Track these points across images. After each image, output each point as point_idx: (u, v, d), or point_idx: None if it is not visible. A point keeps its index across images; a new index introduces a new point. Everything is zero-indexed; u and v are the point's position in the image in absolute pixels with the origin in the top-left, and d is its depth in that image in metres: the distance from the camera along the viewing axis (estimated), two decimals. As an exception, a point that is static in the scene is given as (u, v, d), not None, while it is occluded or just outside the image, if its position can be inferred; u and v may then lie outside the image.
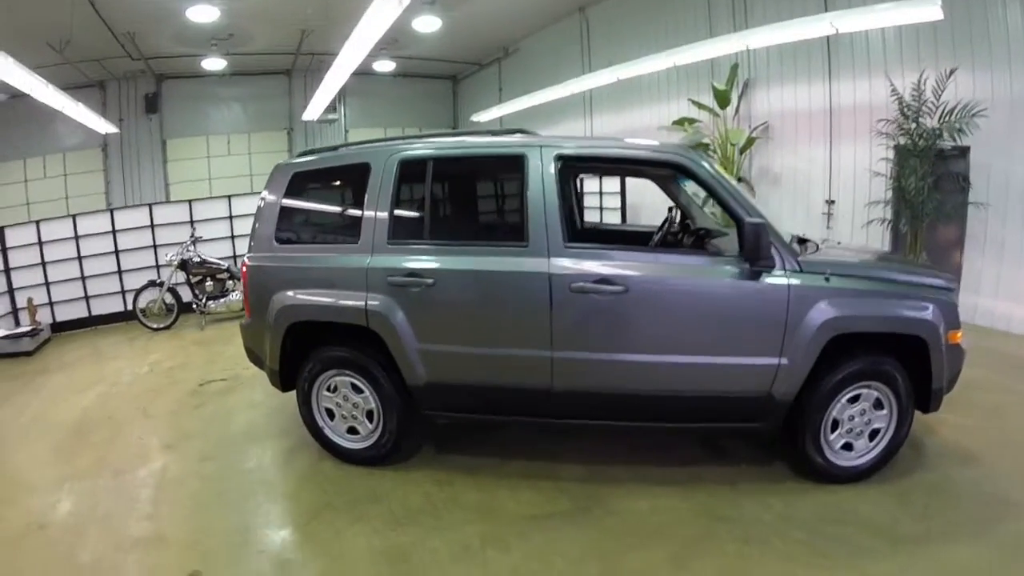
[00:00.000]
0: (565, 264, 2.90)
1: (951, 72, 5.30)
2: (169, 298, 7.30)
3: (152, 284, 7.26)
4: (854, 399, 2.94)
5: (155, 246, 7.70)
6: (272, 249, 3.41)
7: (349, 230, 3.25)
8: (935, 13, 4.68)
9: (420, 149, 3.25)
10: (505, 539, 2.69)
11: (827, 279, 2.82)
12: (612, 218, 9.77)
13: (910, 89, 5.57)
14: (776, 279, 2.82)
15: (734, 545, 2.62)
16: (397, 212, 3.16)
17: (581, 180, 4.97)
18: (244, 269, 3.54)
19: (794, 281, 2.82)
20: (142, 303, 7.23)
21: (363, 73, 13.54)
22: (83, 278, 7.38)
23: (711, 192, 2.94)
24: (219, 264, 7.35)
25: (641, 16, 8.93)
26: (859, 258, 3.33)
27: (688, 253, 3.21)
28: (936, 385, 2.91)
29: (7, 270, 6.88)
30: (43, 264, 7.11)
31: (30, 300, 6.79)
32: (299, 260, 3.35)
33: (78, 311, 7.43)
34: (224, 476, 3.51)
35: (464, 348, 3.07)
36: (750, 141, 7.43)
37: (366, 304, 3.09)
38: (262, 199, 3.51)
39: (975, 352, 4.87)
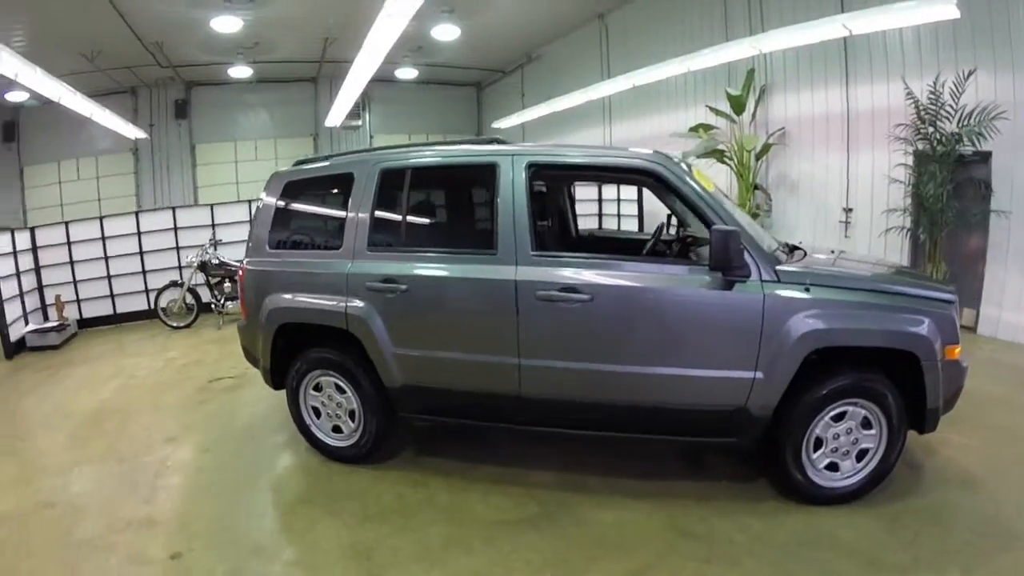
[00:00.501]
0: (532, 272, 2.91)
1: (969, 73, 5.20)
2: (189, 298, 7.63)
3: (173, 284, 7.61)
4: (839, 417, 2.80)
5: (178, 248, 8.08)
6: (266, 253, 3.62)
7: (334, 237, 3.41)
8: (950, 12, 4.61)
9: (399, 159, 3.35)
10: (469, 542, 2.74)
11: (807, 289, 2.72)
12: (630, 225, 9.79)
13: (927, 92, 5.49)
14: (750, 289, 2.73)
15: (695, 564, 2.56)
16: (376, 220, 3.28)
17: (573, 188, 4.94)
18: (240, 272, 3.76)
19: (770, 291, 2.72)
20: (163, 302, 7.59)
21: (386, 80, 13.96)
22: (109, 277, 7.80)
23: (683, 199, 2.88)
24: (237, 266, 7.66)
25: (659, 22, 8.99)
26: (849, 268, 3.16)
27: (660, 262, 3.04)
28: (931, 404, 2.76)
29: (37, 268, 7.32)
30: (71, 263, 7.54)
31: (58, 297, 7.21)
32: (289, 264, 3.53)
33: (104, 308, 7.85)
34: (218, 467, 3.71)
35: (436, 353, 3.14)
36: (766, 147, 7.40)
37: (346, 308, 3.23)
38: (259, 205, 3.72)
39: (993, 367, 4.76)
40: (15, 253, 6.86)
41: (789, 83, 7.33)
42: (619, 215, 9.96)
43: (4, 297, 6.51)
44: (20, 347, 6.68)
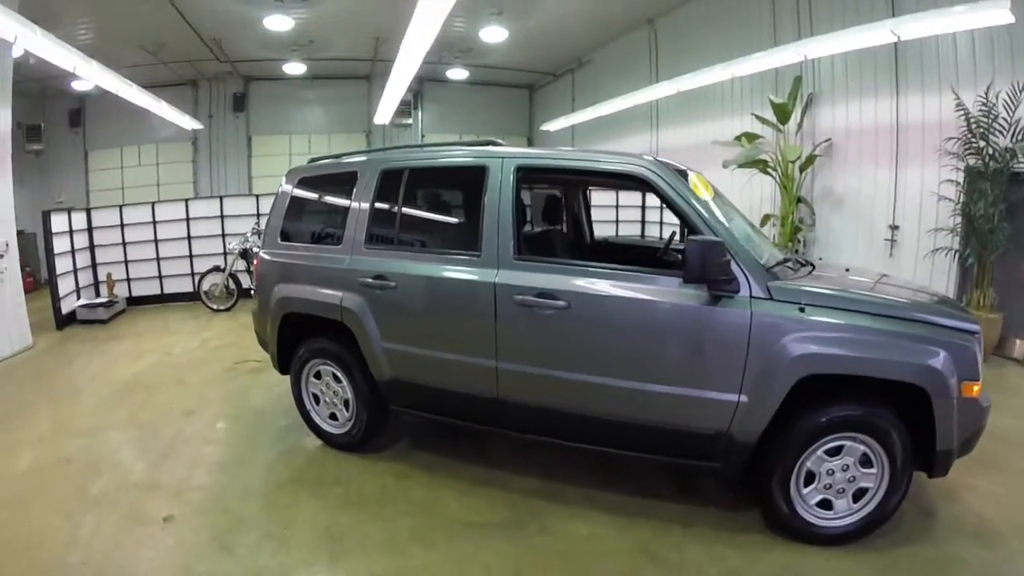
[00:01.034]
0: (511, 276, 2.92)
1: (1026, 85, 4.93)
2: (230, 283, 8.11)
3: (216, 269, 8.11)
4: (835, 451, 2.62)
5: (223, 235, 8.59)
6: (278, 245, 3.87)
7: (337, 232, 3.56)
8: (1005, 16, 4.37)
9: (399, 160, 3.47)
10: (433, 537, 2.80)
11: (801, 309, 2.53)
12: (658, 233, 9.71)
13: (978, 103, 5.22)
14: (737, 305, 2.57)
15: None
16: (374, 218, 3.41)
17: (588, 193, 4.93)
18: (256, 262, 4.01)
19: (759, 309, 2.56)
20: (206, 286, 8.10)
21: (438, 80, 14.31)
22: (158, 259, 8.40)
23: (670, 206, 2.81)
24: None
25: (708, 28, 8.86)
26: (858, 288, 2.88)
27: (640, 271, 2.82)
28: (942, 446, 2.52)
29: (92, 247, 7.96)
30: (124, 244, 8.15)
31: (109, 275, 7.82)
32: (297, 256, 3.74)
33: (152, 288, 8.46)
34: (224, 442, 3.99)
35: (420, 350, 3.23)
36: (811, 159, 7.18)
37: (341, 301, 3.40)
38: (274, 200, 3.97)
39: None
40: (71, 232, 7.49)
41: (837, 92, 7.08)
42: (643, 222, 9.92)
43: (58, 272, 7.12)
44: (71, 319, 7.29)
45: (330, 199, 3.77)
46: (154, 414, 4.47)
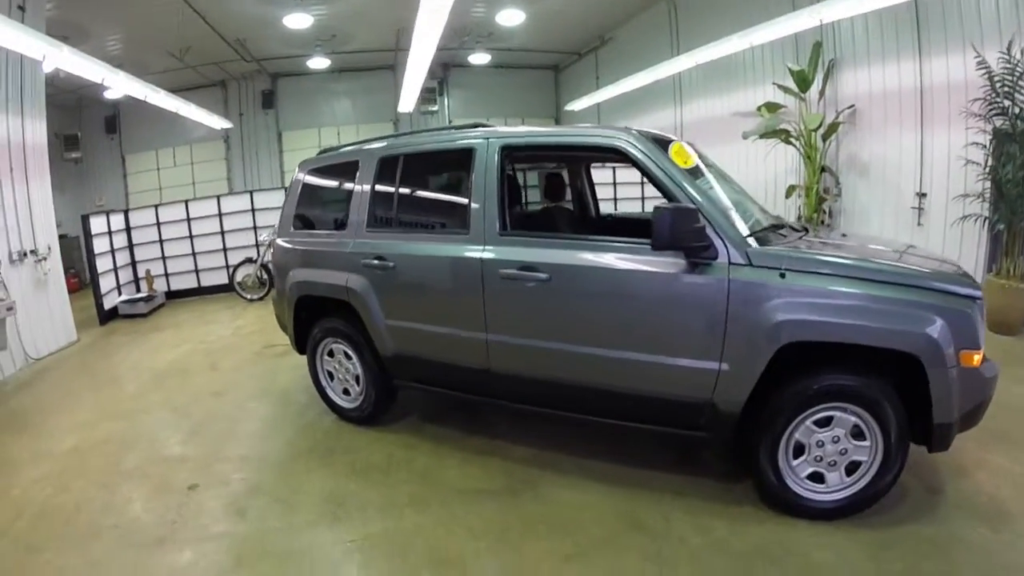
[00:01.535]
0: (497, 251, 3.06)
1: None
2: (262, 274, 8.55)
3: (248, 261, 8.58)
4: (825, 422, 2.58)
5: (255, 227, 9.05)
6: (291, 232, 4.17)
7: (342, 218, 3.80)
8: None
9: (395, 147, 3.65)
10: (428, 502, 2.99)
11: (782, 275, 2.50)
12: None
13: (1001, 61, 5.04)
14: (714, 272, 2.58)
15: (632, 559, 2.50)
16: (373, 203, 3.64)
17: (589, 170, 5.01)
18: (272, 249, 4.31)
19: (737, 275, 2.54)
20: (239, 277, 8.58)
21: (461, 65, 14.48)
22: (194, 254, 8.93)
23: (647, 175, 2.83)
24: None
25: (727, -2, 8.74)
26: (846, 252, 2.82)
27: (618, 241, 2.87)
28: (939, 419, 2.43)
29: (131, 246, 8.55)
30: (160, 241, 8.70)
31: (148, 271, 8.38)
32: (308, 243, 4.02)
33: (189, 282, 9.01)
34: (249, 419, 4.33)
35: (419, 325, 3.42)
36: (834, 127, 7.05)
37: (347, 283, 3.64)
38: (287, 190, 4.24)
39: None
40: (110, 233, 8.05)
41: (859, 56, 6.90)
42: (642, 198, 9.90)
43: (100, 271, 7.68)
44: (113, 314, 7.87)
45: (336, 187, 4.01)
46: (187, 397, 4.87)
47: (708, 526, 2.69)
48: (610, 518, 2.79)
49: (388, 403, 3.93)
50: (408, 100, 11.38)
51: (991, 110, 5.26)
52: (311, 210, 4.18)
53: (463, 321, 3.24)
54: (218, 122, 10.74)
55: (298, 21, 9.27)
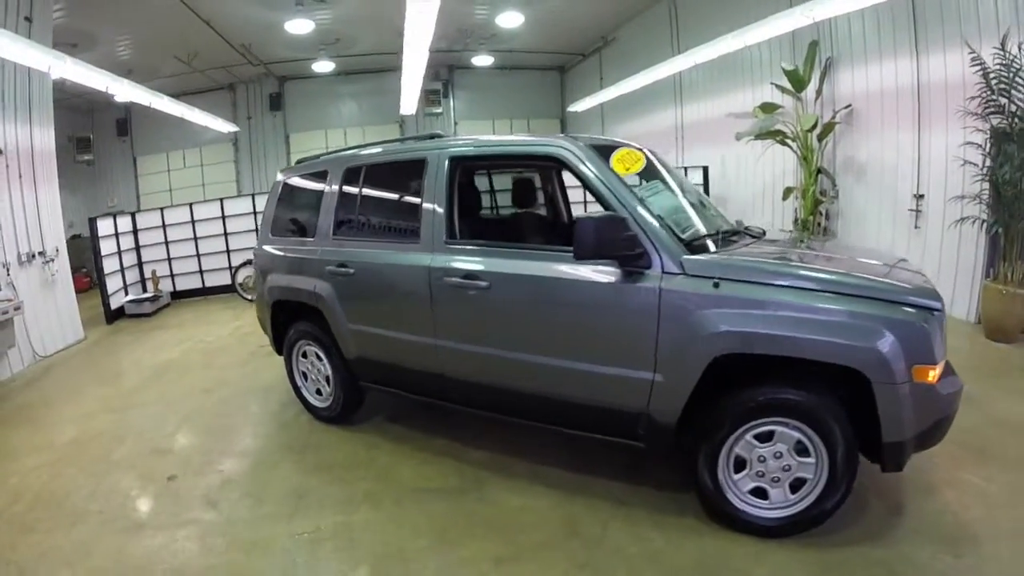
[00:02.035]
0: (443, 260, 3.15)
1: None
2: (263, 275, 8.79)
3: (249, 262, 8.80)
4: (766, 437, 2.51)
5: (256, 230, 9.26)
6: (268, 239, 4.35)
7: (312, 226, 3.94)
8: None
9: (358, 158, 3.79)
10: (382, 500, 3.12)
11: (716, 284, 2.46)
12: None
13: (996, 56, 4.97)
14: (647, 281, 2.57)
15: (565, 566, 2.51)
16: (338, 211, 3.79)
17: (561, 176, 5.07)
18: (253, 255, 4.51)
19: (669, 285, 2.52)
20: (240, 278, 8.84)
21: (465, 67, 14.65)
22: (198, 256, 9.21)
23: (584, 184, 2.86)
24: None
25: (726, -3, 8.77)
26: (790, 259, 2.79)
27: (555, 250, 2.89)
28: (888, 438, 2.32)
29: (137, 247, 8.85)
30: (166, 243, 9.00)
31: (153, 272, 8.67)
32: (283, 249, 4.19)
33: (194, 283, 9.31)
34: (232, 415, 4.52)
35: (377, 330, 3.54)
36: (829, 127, 7.05)
37: (315, 288, 3.79)
38: (267, 198, 4.43)
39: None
40: (117, 235, 8.36)
41: (856, 55, 6.89)
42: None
43: (107, 272, 7.99)
44: (119, 314, 8.17)
45: (308, 195, 4.15)
46: (179, 393, 5.09)
47: (646, 536, 2.67)
48: (550, 523, 2.83)
49: (356, 404, 4.07)
50: (409, 102, 11.56)
51: (987, 108, 5.20)
52: (287, 217, 4.34)
53: (416, 327, 3.34)
54: (223, 125, 11.07)
55: (300, 27, 9.52)
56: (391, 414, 4.21)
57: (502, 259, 3.01)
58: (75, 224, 10.54)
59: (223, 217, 9.18)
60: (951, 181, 5.98)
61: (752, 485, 2.59)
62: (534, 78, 15.81)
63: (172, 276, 9.14)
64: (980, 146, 5.43)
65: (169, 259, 9.08)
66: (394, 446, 3.76)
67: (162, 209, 9.11)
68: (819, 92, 7.28)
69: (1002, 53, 4.95)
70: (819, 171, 7.34)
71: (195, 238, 9.14)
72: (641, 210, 2.69)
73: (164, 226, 8.98)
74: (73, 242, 10.51)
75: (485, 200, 5.13)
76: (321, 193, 3.93)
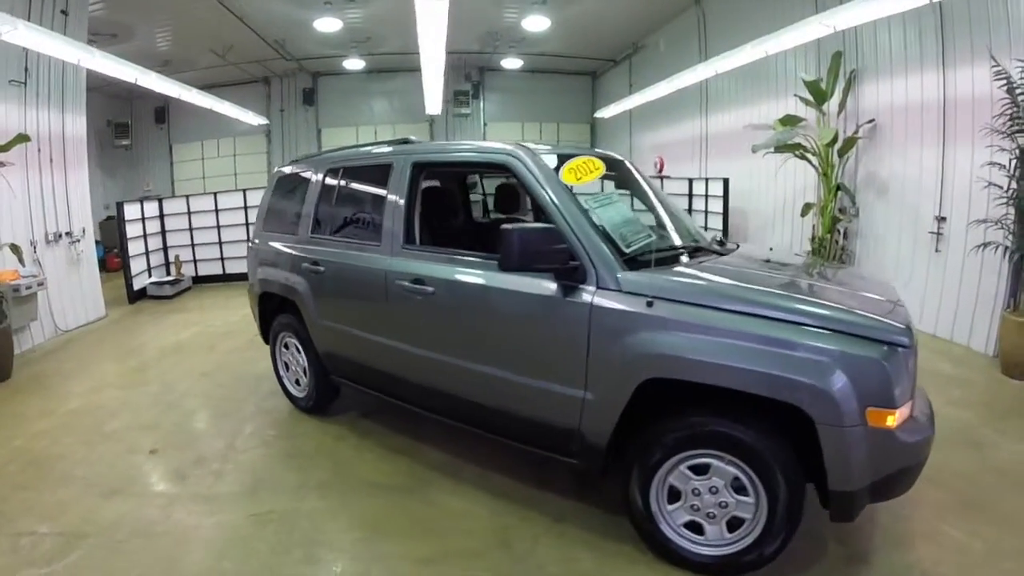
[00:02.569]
0: (398, 264, 3.22)
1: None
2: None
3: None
4: (703, 470, 2.35)
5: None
6: (260, 235, 4.52)
7: (295, 223, 4.07)
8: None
9: (338, 160, 3.91)
10: (330, 490, 3.21)
11: (650, 303, 2.33)
12: (715, 223, 9.59)
13: (1019, 67, 4.74)
14: (579, 296, 2.49)
15: (482, 573, 2.52)
16: (317, 211, 3.91)
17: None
18: (247, 247, 4.68)
19: (603, 301, 2.43)
20: (258, 267, 9.08)
21: (495, 69, 14.75)
22: (220, 243, 9.52)
23: (529, 193, 2.85)
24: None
25: (754, 4, 8.63)
26: (739, 279, 2.58)
27: (485, 258, 2.88)
28: (836, 486, 2.10)
29: (163, 232, 9.21)
30: (190, 229, 9.34)
31: (176, 257, 9.02)
32: (270, 244, 4.33)
33: (215, 268, 9.62)
34: (220, 398, 4.70)
35: (343, 327, 3.65)
36: (850, 142, 6.86)
37: (294, 284, 3.94)
38: (262, 195, 4.60)
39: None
40: (143, 219, 8.73)
41: (882, 67, 6.67)
42: (706, 211, 9.79)
43: (131, 254, 8.35)
44: (142, 295, 8.53)
45: (295, 194, 4.28)
46: (178, 374, 5.30)
47: (575, 556, 2.59)
48: (484, 531, 2.81)
49: (330, 396, 4.19)
50: (432, 103, 11.69)
51: (1013, 125, 4.95)
52: (277, 214, 4.47)
53: (374, 327, 3.43)
54: (252, 118, 11.42)
55: (328, 25, 9.77)
56: (366, 410, 4.30)
57: (447, 266, 3.02)
58: (110, 206, 11.04)
59: (245, 207, 9.47)
60: (975, 203, 5.72)
61: (687, 518, 2.44)
62: (565, 83, 15.82)
63: (195, 261, 9.49)
64: (1004, 167, 5.19)
65: (192, 245, 9.42)
66: (359, 440, 3.85)
67: (187, 196, 9.48)
68: (842, 105, 7.09)
69: (1025, 65, 4.73)
70: (839, 187, 7.15)
71: (218, 226, 9.47)
72: (580, 222, 2.60)
73: (189, 213, 9.33)
74: (108, 223, 11.04)
75: (475, 208, 5.21)
76: (305, 192, 4.06)
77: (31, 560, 2.63)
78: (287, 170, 4.46)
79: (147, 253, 8.83)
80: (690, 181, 10.11)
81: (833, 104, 7.12)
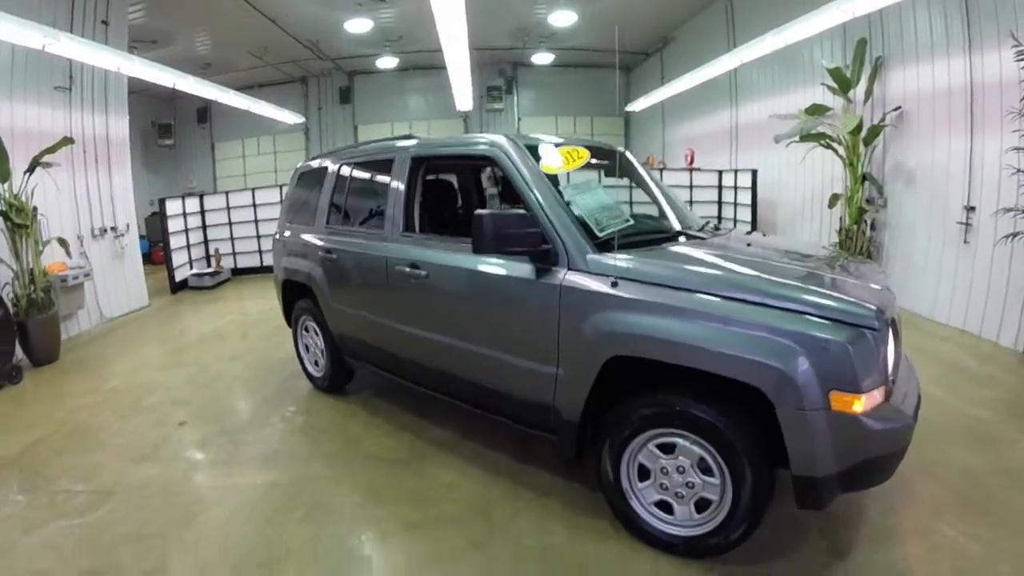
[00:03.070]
0: (397, 250, 3.45)
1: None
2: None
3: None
4: (669, 448, 2.40)
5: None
6: (284, 226, 4.82)
7: (313, 216, 4.35)
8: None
9: (348, 157, 4.18)
10: (335, 461, 3.46)
11: (614, 283, 2.42)
12: (743, 215, 9.53)
13: None
14: (551, 277, 2.63)
15: (462, 542, 2.63)
16: (330, 204, 4.20)
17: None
18: (273, 239, 4.98)
19: (572, 282, 2.55)
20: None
21: (527, 65, 14.88)
22: (258, 236, 9.97)
23: (510, 181, 2.94)
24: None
25: (783, -7, 8.51)
26: (718, 260, 2.54)
27: (465, 242, 3.01)
28: (799, 471, 2.08)
29: (204, 226, 9.72)
30: (230, 224, 9.83)
31: (216, 250, 9.50)
32: (292, 235, 4.61)
33: (254, 261, 10.08)
34: (247, 379, 5.03)
35: (353, 310, 3.90)
36: (876, 130, 6.74)
37: (311, 271, 4.22)
38: (287, 188, 4.88)
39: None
40: (184, 215, 9.24)
41: (908, 53, 6.52)
42: (735, 203, 9.73)
43: (173, 247, 8.86)
44: (183, 286, 9.04)
45: (313, 188, 4.54)
46: (211, 357, 5.67)
47: (551, 530, 2.69)
48: (467, 502, 2.96)
49: (345, 376, 4.44)
50: (463, 99, 11.89)
51: (1036, 110, 4.84)
52: (298, 207, 4.74)
53: (378, 309, 3.69)
54: (289, 117, 11.87)
55: (359, 25, 10.07)
56: (379, 390, 4.53)
57: (438, 251, 3.24)
58: (155, 203, 11.67)
59: (281, 202, 9.88)
60: (1005, 192, 5.58)
61: (657, 497, 2.50)
62: (598, 76, 15.77)
63: (234, 254, 9.98)
64: (1027, 152, 5.07)
65: (232, 238, 9.92)
66: (369, 417, 4.08)
67: (227, 193, 9.97)
68: (869, 93, 6.97)
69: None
70: (865, 177, 7.03)
71: (256, 220, 9.93)
72: (554, 207, 2.73)
73: (228, 208, 9.82)
74: (152, 219, 11.67)
75: (493, 201, 5.39)
76: (321, 186, 4.33)
77: (66, 512, 2.96)
78: (307, 166, 4.73)
79: (188, 246, 9.35)
80: (719, 173, 10.05)
81: (859, 92, 7.00)
